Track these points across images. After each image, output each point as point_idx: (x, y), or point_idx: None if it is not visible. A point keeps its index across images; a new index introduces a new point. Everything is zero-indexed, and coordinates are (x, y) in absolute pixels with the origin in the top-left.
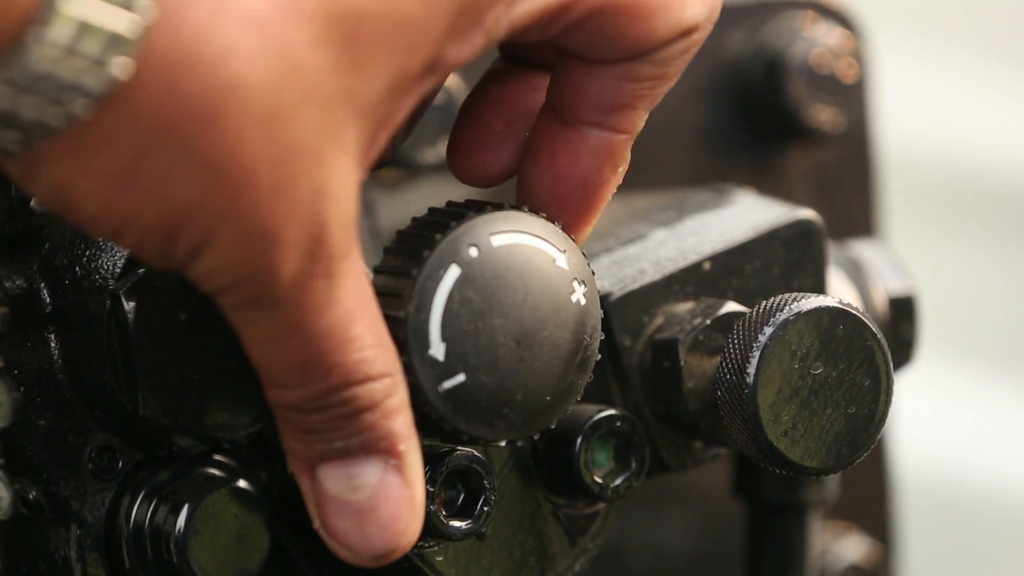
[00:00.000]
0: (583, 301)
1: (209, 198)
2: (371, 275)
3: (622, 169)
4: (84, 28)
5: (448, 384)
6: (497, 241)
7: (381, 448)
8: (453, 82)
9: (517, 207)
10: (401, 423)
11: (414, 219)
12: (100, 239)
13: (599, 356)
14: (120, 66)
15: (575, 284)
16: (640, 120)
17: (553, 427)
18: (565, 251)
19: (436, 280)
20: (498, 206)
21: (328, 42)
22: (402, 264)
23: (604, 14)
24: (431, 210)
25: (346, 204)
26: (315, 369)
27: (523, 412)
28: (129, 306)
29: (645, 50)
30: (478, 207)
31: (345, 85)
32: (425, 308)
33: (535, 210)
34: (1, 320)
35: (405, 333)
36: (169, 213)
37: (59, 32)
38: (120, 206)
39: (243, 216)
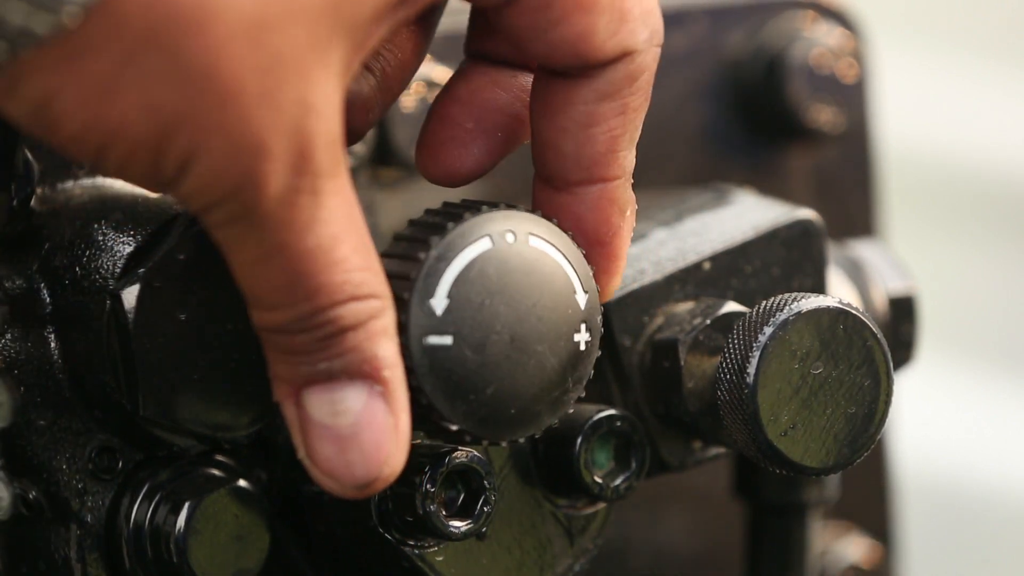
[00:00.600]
0: (583, 348)
1: (195, 107)
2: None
3: (630, 212)
4: None
5: (433, 340)
6: (533, 242)
7: (365, 372)
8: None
9: (567, 232)
10: (386, 347)
11: (464, 199)
12: (85, 163)
13: (571, 410)
14: None
15: (583, 327)
16: (626, 160)
17: (503, 444)
18: (588, 293)
19: (466, 242)
20: (519, 208)
21: None
22: (439, 219)
23: None
24: (463, 200)
25: (331, 121)
26: (300, 289)
27: (485, 408)
28: (129, 306)
29: (586, 53)
30: (511, 204)
31: (333, 2)
32: (445, 260)
33: (580, 244)
34: (1, 320)
35: (417, 273)
36: (156, 123)
37: None
38: (106, 116)
39: (230, 125)
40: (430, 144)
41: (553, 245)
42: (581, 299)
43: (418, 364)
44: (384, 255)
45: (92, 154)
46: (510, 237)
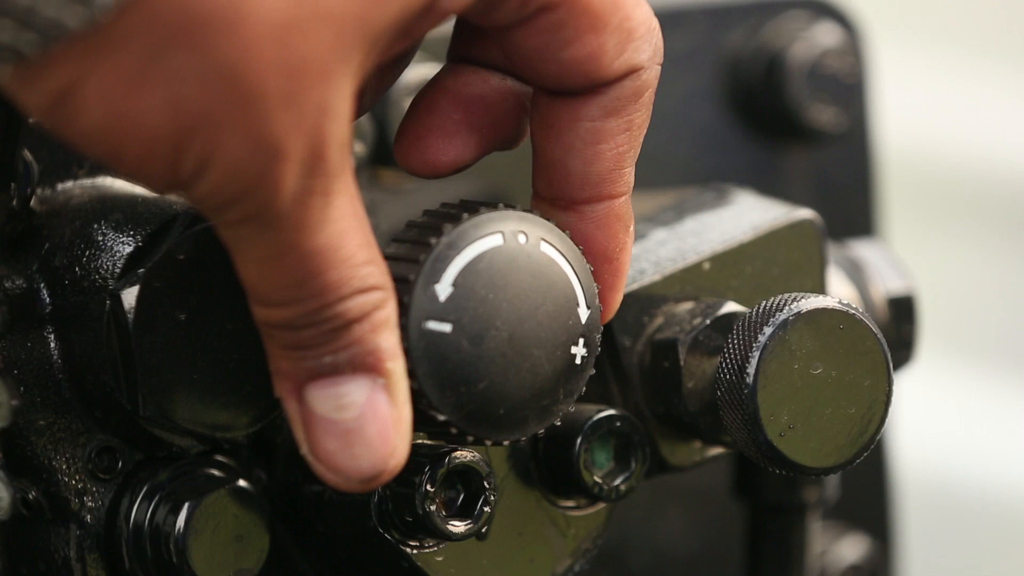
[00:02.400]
0: (579, 362)
1: (219, 105)
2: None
3: (632, 229)
4: None
5: (433, 325)
6: (544, 248)
7: (368, 364)
8: None
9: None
10: (389, 339)
11: (443, 204)
12: (98, 158)
13: (558, 423)
14: None
15: (581, 342)
16: (630, 177)
17: (487, 444)
18: (590, 309)
19: (478, 233)
20: (518, 208)
21: None
22: (456, 211)
23: (568, 7)
24: (461, 200)
25: (345, 123)
26: (309, 286)
27: (474, 403)
28: (129, 306)
29: (595, 72)
30: (512, 205)
31: (360, 10)
32: (455, 248)
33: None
34: (1, 320)
35: (425, 256)
36: (178, 120)
37: None
38: (128, 109)
39: (251, 125)
40: (413, 133)
41: (563, 255)
42: (583, 313)
43: (414, 347)
44: (395, 239)
45: (108, 150)
46: (522, 238)
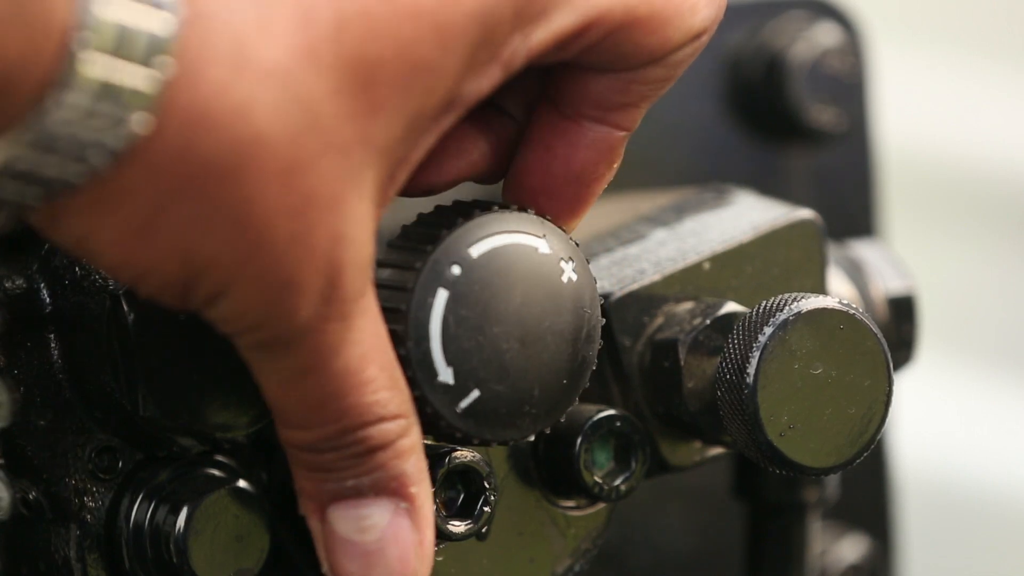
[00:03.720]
0: (574, 277)
1: (228, 251)
2: None
3: (616, 165)
4: (104, 88)
5: (464, 403)
6: (477, 251)
7: (392, 489)
8: None
9: (485, 207)
10: (413, 465)
11: (389, 245)
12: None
13: (603, 320)
14: (140, 122)
15: (562, 264)
16: (639, 117)
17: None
18: (544, 235)
19: (427, 309)
20: (469, 211)
21: (346, 91)
22: (392, 299)
23: (621, 31)
24: (404, 231)
25: (363, 246)
26: (329, 410)
27: (544, 404)
28: (129, 306)
29: (659, 57)
30: (452, 216)
31: (363, 130)
32: (424, 339)
33: (507, 205)
34: (1, 320)
35: (411, 369)
36: (187, 265)
37: (80, 95)
38: (139, 258)
39: (261, 267)
40: None
41: (493, 234)
42: (544, 247)
43: (469, 429)
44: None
45: (128, 283)
46: (456, 269)
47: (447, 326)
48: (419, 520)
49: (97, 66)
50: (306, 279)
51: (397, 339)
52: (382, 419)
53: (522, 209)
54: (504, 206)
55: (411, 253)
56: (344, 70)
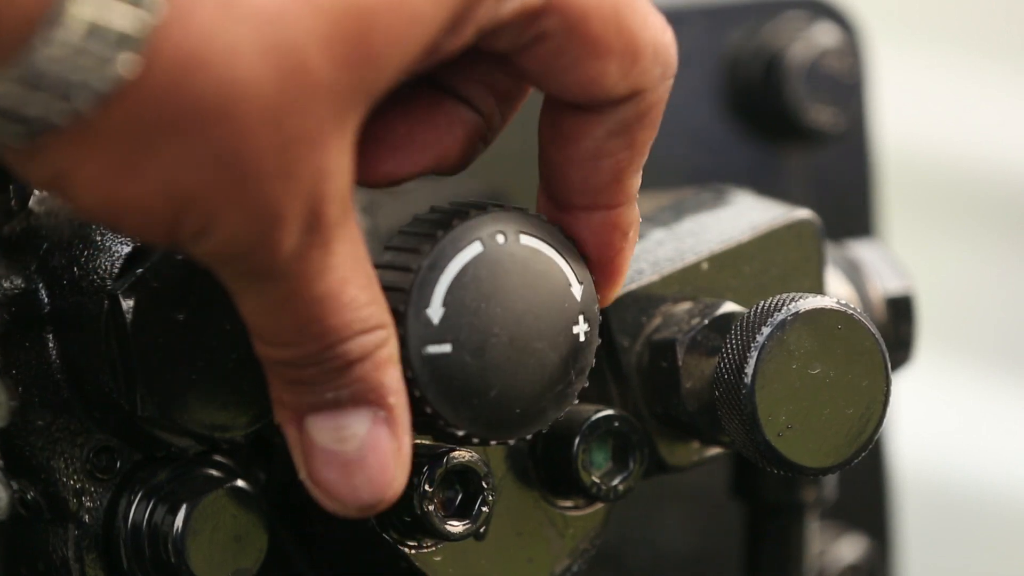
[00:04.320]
0: (582, 338)
1: (214, 186)
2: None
3: (633, 232)
4: (93, 28)
5: (433, 349)
6: (524, 240)
7: (371, 400)
8: None
9: (557, 225)
10: (391, 376)
11: (452, 201)
12: (96, 224)
13: (576, 401)
14: (127, 64)
15: (581, 319)
16: (632, 186)
17: (511, 443)
18: (583, 284)
19: (457, 248)
20: (527, 212)
21: (338, 38)
22: (429, 227)
23: (567, 34)
24: (471, 200)
25: (344, 178)
26: (311, 330)
27: (490, 411)
28: (127, 306)
29: (598, 95)
30: (507, 207)
31: (354, 79)
32: (438, 268)
33: (570, 236)
34: (0, 320)
35: (411, 284)
36: (172, 200)
37: (68, 33)
38: (120, 197)
39: (247, 200)
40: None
41: (544, 241)
42: (577, 291)
43: (419, 374)
44: (377, 266)
45: (107, 223)
46: (500, 238)
47: (464, 273)
48: (397, 428)
49: (87, 5)
50: (290, 211)
51: (414, 258)
52: (361, 332)
53: (581, 251)
54: (567, 235)
55: (471, 206)
56: (337, 17)
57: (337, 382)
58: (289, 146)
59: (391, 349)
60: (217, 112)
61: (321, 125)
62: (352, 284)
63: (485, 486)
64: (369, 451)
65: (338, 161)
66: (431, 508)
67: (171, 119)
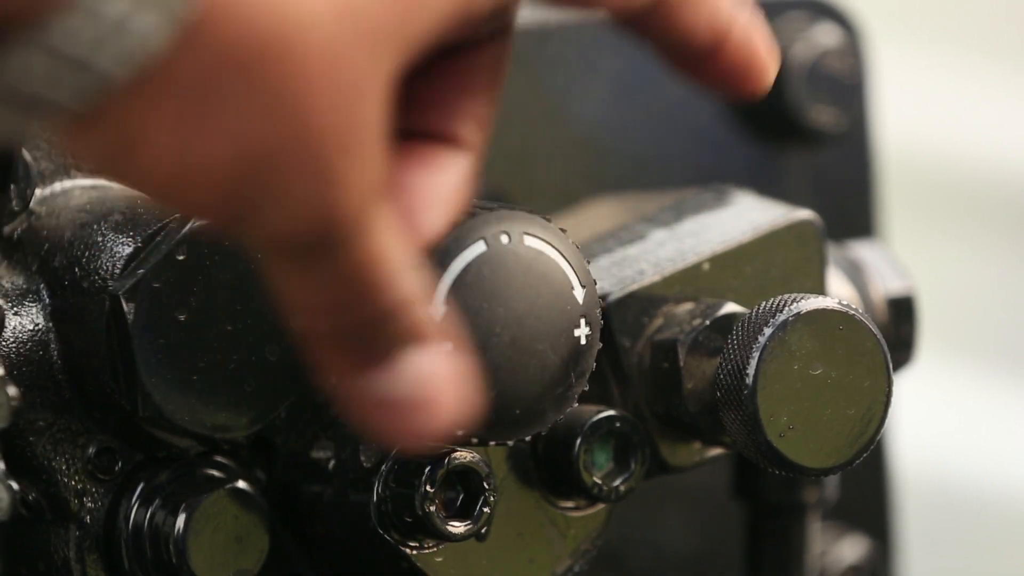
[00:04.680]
0: (584, 342)
1: (279, 136)
2: None
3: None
4: None
5: None
6: (528, 241)
7: (422, 337)
8: None
9: (561, 228)
10: (432, 310)
11: None
12: (160, 201)
13: (576, 404)
14: (188, 5)
15: (583, 321)
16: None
17: (510, 443)
18: (586, 287)
19: (460, 247)
20: (537, 214)
21: None
22: None
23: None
24: (476, 199)
25: (384, 135)
26: (360, 302)
27: (490, 411)
28: (128, 307)
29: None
30: (515, 209)
31: (401, 23)
32: (440, 267)
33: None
34: (1, 320)
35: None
36: (241, 154)
37: None
38: (192, 149)
39: (311, 160)
40: None
41: (548, 243)
42: (579, 294)
43: None
44: None
45: (174, 191)
46: (504, 239)
47: (467, 272)
48: (451, 364)
49: None
50: (349, 171)
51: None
52: (409, 276)
53: (563, 229)
54: (545, 216)
55: (476, 204)
56: None
57: (389, 330)
58: (347, 94)
59: (425, 284)
60: (277, 50)
61: (373, 70)
62: (397, 246)
63: (486, 487)
64: (435, 381)
65: (383, 115)
66: (432, 509)
67: (233, 59)
